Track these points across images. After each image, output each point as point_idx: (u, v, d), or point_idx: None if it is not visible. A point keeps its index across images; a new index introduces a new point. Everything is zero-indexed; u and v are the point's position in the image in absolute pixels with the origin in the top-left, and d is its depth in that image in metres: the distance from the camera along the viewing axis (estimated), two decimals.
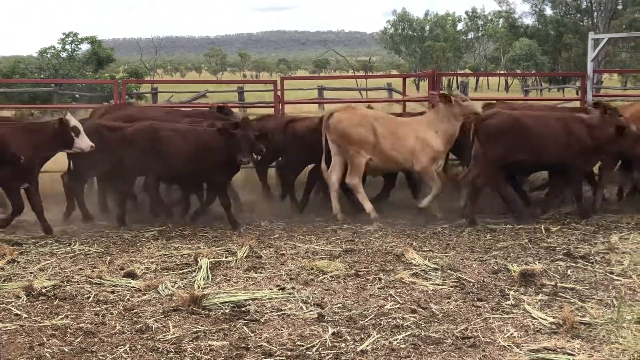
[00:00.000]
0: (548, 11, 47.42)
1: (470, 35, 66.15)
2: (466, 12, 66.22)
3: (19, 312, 5.76)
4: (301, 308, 5.80)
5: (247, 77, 75.80)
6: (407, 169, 9.52)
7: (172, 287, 6.36)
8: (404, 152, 9.08)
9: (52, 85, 23.44)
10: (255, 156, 9.20)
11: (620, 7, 42.56)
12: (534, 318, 5.53)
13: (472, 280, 6.52)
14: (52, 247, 7.82)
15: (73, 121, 8.29)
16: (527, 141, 8.70)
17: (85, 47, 27.09)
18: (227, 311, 5.72)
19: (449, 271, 6.79)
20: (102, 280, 6.56)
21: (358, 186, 9.17)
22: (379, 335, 5.19)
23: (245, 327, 5.38)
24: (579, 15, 46.40)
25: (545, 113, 9.49)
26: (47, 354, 4.94)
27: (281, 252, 7.55)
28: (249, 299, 5.98)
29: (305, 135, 9.59)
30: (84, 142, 8.26)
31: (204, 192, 9.29)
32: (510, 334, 5.20)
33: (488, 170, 8.81)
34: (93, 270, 6.86)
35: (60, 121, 8.24)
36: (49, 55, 26.98)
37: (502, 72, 51.42)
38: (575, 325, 5.25)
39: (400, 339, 5.12)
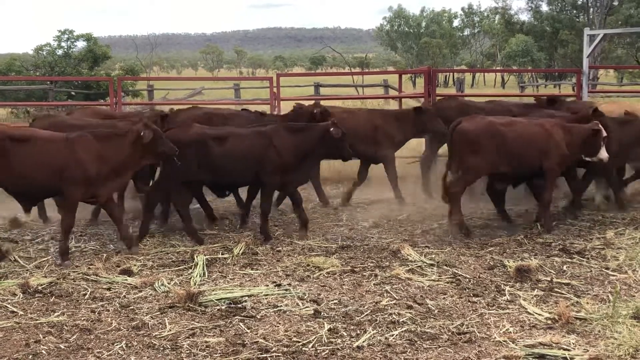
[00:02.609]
0: (544, 7, 47.38)
1: (467, 31, 66.02)
2: (462, 9, 66.13)
3: (15, 310, 5.76)
4: (297, 304, 5.81)
5: (243, 74, 75.62)
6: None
7: (169, 283, 6.37)
8: None
9: (48, 82, 23.35)
10: None
11: (616, 3, 42.46)
12: (529, 313, 5.55)
13: (467, 276, 6.54)
14: (48, 244, 7.80)
15: (603, 131, 7.88)
16: None
17: (81, 44, 26.89)
18: (223, 308, 5.73)
19: (444, 267, 6.80)
20: (98, 277, 6.57)
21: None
22: (375, 331, 5.20)
23: (241, 324, 5.40)
24: (574, 12, 46.31)
25: None
26: (43, 351, 4.94)
27: (277, 249, 7.55)
28: (245, 296, 5.99)
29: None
30: (604, 154, 7.88)
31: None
32: (506, 330, 5.22)
33: None
34: (89, 267, 6.86)
35: (595, 129, 7.85)
36: (44, 53, 26.80)
37: (498, 68, 51.34)
38: (570, 320, 5.29)
39: (396, 335, 5.14)
